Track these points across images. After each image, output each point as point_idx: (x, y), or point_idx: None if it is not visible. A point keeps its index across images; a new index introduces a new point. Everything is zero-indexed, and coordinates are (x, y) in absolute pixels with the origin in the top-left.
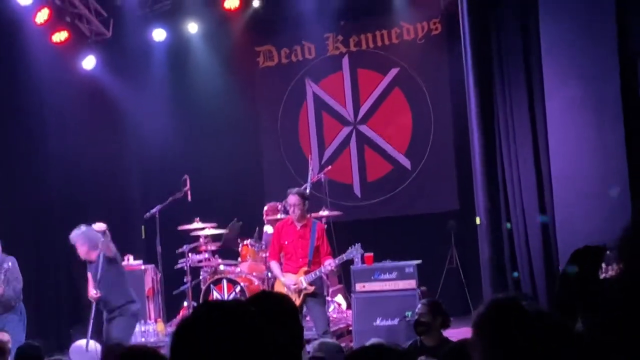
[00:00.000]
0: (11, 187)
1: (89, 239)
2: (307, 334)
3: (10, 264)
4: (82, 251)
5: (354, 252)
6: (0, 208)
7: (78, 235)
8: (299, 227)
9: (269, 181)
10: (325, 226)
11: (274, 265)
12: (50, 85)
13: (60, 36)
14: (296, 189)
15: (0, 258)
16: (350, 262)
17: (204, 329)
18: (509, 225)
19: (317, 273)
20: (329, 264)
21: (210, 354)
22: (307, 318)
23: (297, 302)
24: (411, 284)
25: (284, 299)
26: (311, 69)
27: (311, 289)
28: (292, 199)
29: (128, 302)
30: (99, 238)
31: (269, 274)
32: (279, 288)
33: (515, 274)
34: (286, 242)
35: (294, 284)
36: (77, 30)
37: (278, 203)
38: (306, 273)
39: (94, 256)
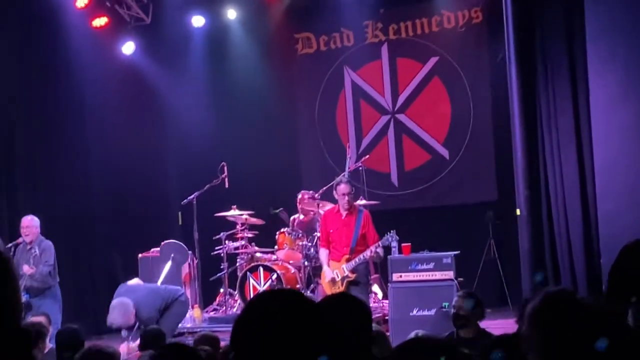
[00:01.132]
0: (52, 169)
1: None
2: None
3: (37, 249)
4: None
5: (390, 238)
6: (40, 189)
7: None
8: (344, 216)
9: (306, 169)
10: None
11: (322, 253)
12: (89, 69)
13: (100, 21)
14: (345, 178)
15: (38, 240)
16: (387, 251)
17: (265, 316)
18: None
19: (359, 259)
20: (370, 249)
21: (271, 342)
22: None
23: (341, 289)
24: (449, 274)
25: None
26: (350, 56)
27: (353, 276)
28: (345, 187)
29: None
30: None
31: (305, 262)
32: (323, 275)
33: (539, 277)
34: (331, 231)
35: (330, 277)
36: (116, 15)
37: (310, 192)
38: (348, 261)
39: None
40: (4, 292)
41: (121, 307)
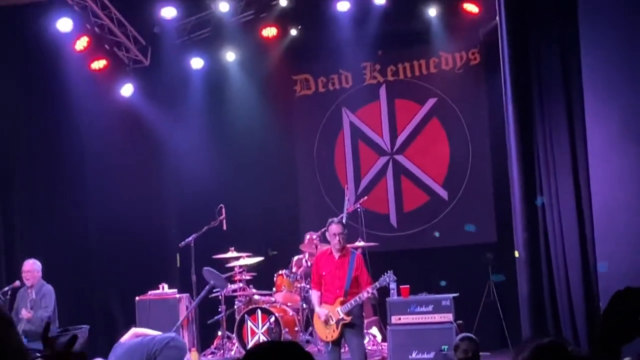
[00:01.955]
0: (50, 210)
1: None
2: None
3: (33, 294)
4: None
5: (387, 279)
6: (38, 231)
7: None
8: (337, 257)
9: (305, 210)
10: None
11: (314, 295)
12: (88, 111)
13: (99, 64)
14: (338, 218)
15: (38, 284)
16: (386, 294)
17: None
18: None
19: (354, 302)
20: (367, 290)
21: None
22: (346, 349)
23: (336, 333)
24: (448, 317)
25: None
26: (348, 98)
27: (348, 319)
28: (336, 228)
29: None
30: None
31: (304, 305)
32: (317, 318)
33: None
34: (324, 273)
35: (325, 317)
36: (115, 58)
37: (314, 233)
38: (342, 303)
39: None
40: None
41: None
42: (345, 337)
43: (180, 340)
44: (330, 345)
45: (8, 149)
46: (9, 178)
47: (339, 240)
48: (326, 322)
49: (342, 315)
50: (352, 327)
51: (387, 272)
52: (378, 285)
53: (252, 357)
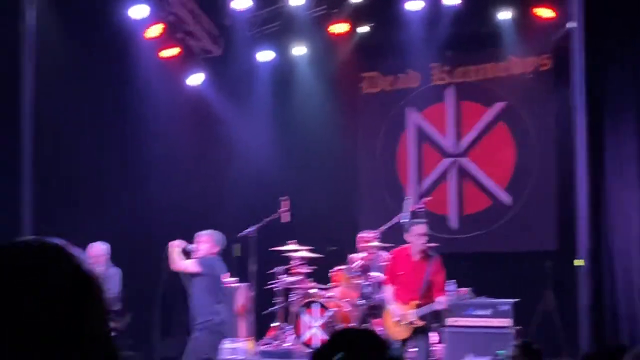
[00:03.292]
0: (116, 195)
1: (215, 241)
2: None
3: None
4: (203, 249)
5: (463, 298)
6: (103, 216)
7: (209, 235)
8: (415, 259)
9: (365, 208)
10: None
11: (388, 290)
12: (156, 98)
13: (170, 52)
14: (422, 219)
15: (105, 268)
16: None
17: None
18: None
19: (428, 309)
20: (441, 302)
21: None
22: (411, 349)
23: (406, 333)
24: (506, 322)
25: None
26: (414, 97)
27: (420, 323)
28: (423, 228)
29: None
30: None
31: (360, 301)
32: (388, 315)
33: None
34: (400, 273)
35: (399, 315)
36: (187, 47)
37: (372, 232)
38: (417, 306)
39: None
40: (90, 319)
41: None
42: (414, 339)
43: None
44: (399, 343)
45: (76, 134)
46: (76, 163)
47: (422, 241)
48: (399, 321)
49: (415, 319)
50: (422, 332)
51: (468, 289)
52: (454, 300)
53: (336, 341)
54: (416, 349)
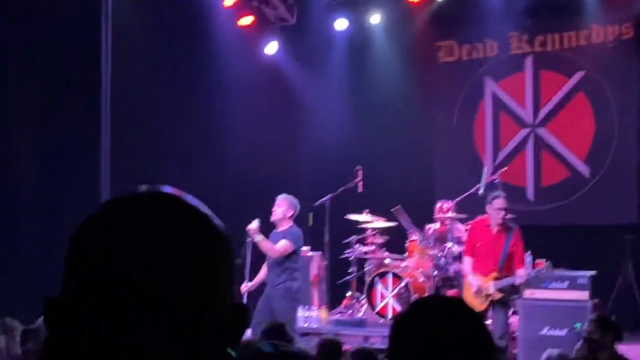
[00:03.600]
0: (189, 163)
1: (292, 205)
2: None
3: None
4: (280, 212)
5: (543, 272)
6: (177, 184)
7: (286, 199)
8: (494, 231)
9: (441, 178)
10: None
11: (467, 262)
12: (233, 67)
13: (246, 20)
14: (500, 192)
15: None
16: None
17: (424, 319)
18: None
19: (508, 281)
20: (521, 275)
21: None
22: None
23: (483, 305)
24: (583, 295)
25: None
26: (492, 67)
27: (499, 296)
28: (502, 202)
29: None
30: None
31: (435, 272)
32: (467, 286)
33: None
34: (479, 244)
35: (478, 286)
36: (262, 15)
37: (449, 202)
38: (496, 279)
39: (285, 225)
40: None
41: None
42: (492, 309)
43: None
44: None
45: (154, 105)
46: (155, 134)
47: (504, 216)
48: (477, 292)
49: (493, 291)
50: (502, 305)
51: (546, 262)
52: (533, 274)
53: (419, 308)
54: (492, 321)
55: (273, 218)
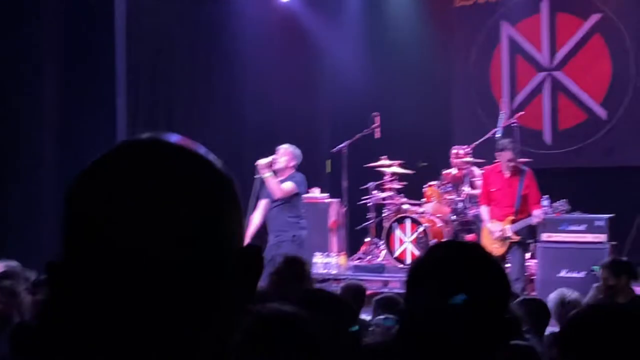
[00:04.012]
0: (206, 113)
1: (295, 155)
2: None
3: None
4: (284, 161)
5: (559, 207)
6: (195, 134)
7: (289, 148)
8: (507, 175)
9: (458, 123)
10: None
11: (484, 210)
12: (248, 16)
13: None
14: (509, 143)
15: None
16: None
17: (442, 264)
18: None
19: (524, 223)
20: (537, 215)
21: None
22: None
23: (502, 249)
24: (601, 237)
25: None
26: (508, 10)
27: (516, 238)
28: (509, 154)
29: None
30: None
31: (453, 217)
32: (485, 233)
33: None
34: (493, 190)
35: (499, 231)
36: None
37: (465, 147)
38: (512, 222)
39: (287, 173)
40: (229, 216)
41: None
42: (510, 252)
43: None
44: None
45: (170, 53)
46: (171, 80)
47: (512, 166)
48: (499, 237)
49: (510, 234)
50: (520, 246)
51: (559, 200)
52: (550, 210)
53: (435, 254)
54: (510, 264)
55: (275, 167)
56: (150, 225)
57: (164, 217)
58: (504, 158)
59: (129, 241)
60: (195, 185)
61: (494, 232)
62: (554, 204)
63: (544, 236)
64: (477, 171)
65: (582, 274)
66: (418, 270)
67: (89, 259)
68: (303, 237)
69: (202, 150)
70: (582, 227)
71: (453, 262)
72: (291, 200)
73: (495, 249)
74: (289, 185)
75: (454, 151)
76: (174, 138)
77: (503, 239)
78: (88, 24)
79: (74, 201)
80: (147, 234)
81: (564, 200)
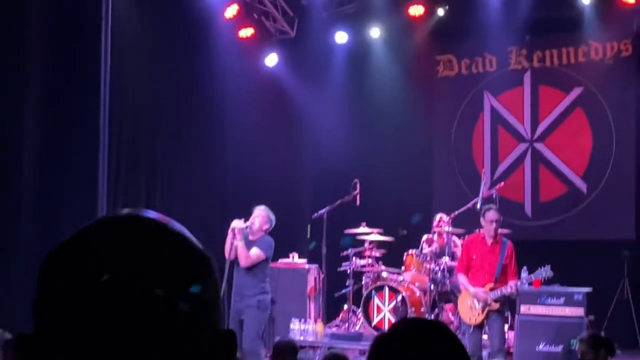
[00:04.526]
0: (189, 174)
1: (270, 219)
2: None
3: None
4: (258, 222)
5: (543, 272)
6: (176, 196)
7: (265, 211)
8: (489, 243)
9: (439, 191)
10: None
11: (462, 278)
12: (233, 78)
13: (246, 32)
14: (493, 205)
15: None
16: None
17: (403, 343)
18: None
19: (503, 291)
20: (512, 285)
21: None
22: (486, 335)
23: (480, 317)
24: (579, 311)
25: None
26: (491, 82)
27: (496, 306)
28: (494, 214)
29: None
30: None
31: (432, 286)
32: (463, 300)
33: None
34: (474, 257)
35: (484, 295)
36: (262, 28)
37: (445, 215)
38: (492, 290)
39: (258, 235)
40: (206, 292)
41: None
42: (488, 321)
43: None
44: (472, 328)
45: (153, 110)
46: (153, 137)
47: (495, 228)
48: (484, 304)
49: (490, 301)
50: (497, 313)
51: (544, 266)
52: (533, 278)
53: (397, 332)
54: (488, 334)
55: (251, 229)
56: (125, 304)
57: (139, 297)
58: (488, 218)
59: (102, 320)
60: (172, 263)
61: (479, 295)
62: (538, 270)
63: (523, 308)
64: (456, 241)
65: (559, 348)
66: (378, 346)
67: (58, 334)
68: (267, 301)
69: (179, 227)
70: (560, 300)
71: (413, 341)
72: (258, 265)
73: (472, 317)
74: (255, 253)
75: (437, 217)
76: (152, 215)
77: (482, 306)
78: (73, 81)
79: (47, 276)
80: (121, 313)
81: (548, 265)
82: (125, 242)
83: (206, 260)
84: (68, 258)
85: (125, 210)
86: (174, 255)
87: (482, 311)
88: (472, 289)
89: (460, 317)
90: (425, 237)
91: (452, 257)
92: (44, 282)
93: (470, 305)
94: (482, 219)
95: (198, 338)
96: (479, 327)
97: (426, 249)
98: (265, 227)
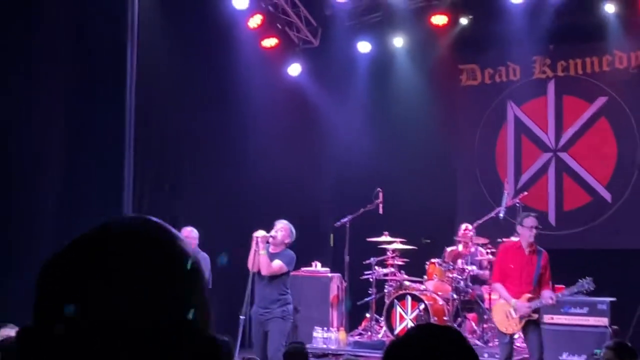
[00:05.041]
0: (212, 181)
1: (291, 233)
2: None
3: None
4: (280, 235)
5: (585, 285)
6: (198, 203)
7: (287, 225)
8: (527, 252)
9: (462, 201)
10: None
11: (500, 287)
12: (256, 87)
13: (270, 42)
14: (530, 213)
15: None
16: None
17: (417, 349)
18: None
19: (541, 302)
20: (550, 296)
21: None
22: (519, 343)
23: (518, 327)
24: (603, 321)
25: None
26: (514, 91)
27: (535, 316)
28: (533, 221)
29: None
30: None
31: (454, 295)
32: (499, 310)
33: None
34: (512, 266)
35: (527, 308)
36: (286, 37)
37: (469, 225)
38: (529, 300)
39: (280, 248)
40: (195, 298)
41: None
42: (526, 331)
43: None
44: (508, 337)
45: (178, 118)
46: (178, 146)
47: (535, 234)
48: (524, 315)
49: (530, 311)
50: (536, 323)
51: (585, 278)
52: (575, 290)
53: (412, 339)
54: (528, 342)
55: (273, 242)
56: (118, 307)
57: (133, 300)
58: (527, 224)
59: (98, 317)
60: (163, 270)
61: (520, 309)
62: (580, 282)
63: (546, 318)
64: (481, 251)
65: (582, 358)
66: (393, 352)
67: (58, 330)
68: (291, 311)
69: (174, 234)
70: (584, 310)
71: (429, 346)
72: (279, 277)
73: (509, 326)
74: (278, 264)
75: (462, 226)
76: (151, 224)
77: (519, 316)
78: (98, 91)
79: (48, 276)
80: (115, 315)
81: (590, 278)
82: (122, 255)
83: (193, 271)
84: (66, 267)
85: (128, 218)
86: (166, 267)
87: (520, 321)
88: (513, 300)
89: (496, 326)
90: (449, 248)
91: (479, 266)
92: (40, 290)
93: (507, 315)
94: (519, 227)
95: (181, 345)
96: (512, 336)
97: (450, 258)
98: (287, 240)
